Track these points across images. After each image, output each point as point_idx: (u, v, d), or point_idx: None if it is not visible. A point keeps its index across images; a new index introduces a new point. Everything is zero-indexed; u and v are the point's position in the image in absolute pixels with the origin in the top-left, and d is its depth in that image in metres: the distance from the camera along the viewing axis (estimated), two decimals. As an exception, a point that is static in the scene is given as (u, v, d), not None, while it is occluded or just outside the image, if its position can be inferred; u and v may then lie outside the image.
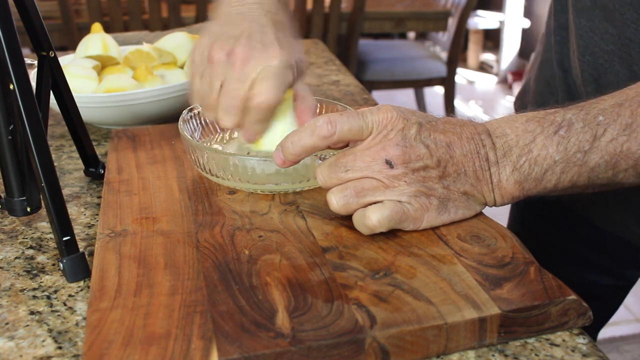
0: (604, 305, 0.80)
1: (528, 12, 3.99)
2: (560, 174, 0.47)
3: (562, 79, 0.68)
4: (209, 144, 0.64)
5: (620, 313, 1.91)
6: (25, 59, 0.48)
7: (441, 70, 2.74)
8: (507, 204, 0.50)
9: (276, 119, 0.56)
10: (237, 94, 0.53)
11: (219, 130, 0.66)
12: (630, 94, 0.47)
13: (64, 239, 0.48)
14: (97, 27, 0.90)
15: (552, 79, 0.71)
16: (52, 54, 0.56)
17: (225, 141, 0.66)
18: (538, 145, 0.47)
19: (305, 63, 0.58)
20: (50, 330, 0.43)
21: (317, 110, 0.59)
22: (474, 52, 4.42)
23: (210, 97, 0.54)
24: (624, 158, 0.46)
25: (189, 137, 0.58)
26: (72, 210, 0.60)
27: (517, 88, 3.88)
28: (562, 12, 0.67)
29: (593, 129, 0.46)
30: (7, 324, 0.44)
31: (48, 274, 0.50)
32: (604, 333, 1.81)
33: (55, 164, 0.57)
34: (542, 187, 0.48)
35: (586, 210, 0.71)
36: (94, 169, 0.66)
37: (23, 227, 0.58)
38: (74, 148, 0.75)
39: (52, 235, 0.56)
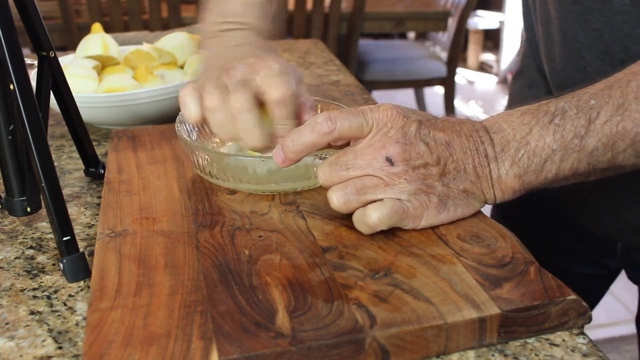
0: (588, 296, 0.81)
1: (528, 12, 3.98)
2: (560, 163, 0.48)
3: (542, 83, 0.72)
4: (208, 145, 0.64)
5: (620, 313, 1.91)
6: (25, 59, 0.48)
7: (441, 70, 2.74)
8: (508, 199, 0.50)
9: (270, 123, 0.56)
10: (246, 102, 0.53)
11: None
12: (618, 76, 0.48)
13: (64, 239, 0.48)
14: (97, 27, 0.90)
15: (533, 84, 0.75)
16: (52, 54, 0.56)
17: (223, 142, 0.65)
18: (535, 136, 0.48)
19: (299, 76, 0.60)
20: (50, 330, 0.43)
21: (318, 111, 0.60)
22: (474, 52, 4.42)
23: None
24: (621, 138, 0.46)
25: (186, 138, 0.58)
26: (72, 210, 0.60)
27: (517, 88, 3.88)
28: (532, 24, 0.71)
29: (587, 113, 0.47)
30: (7, 324, 0.44)
31: (48, 274, 0.50)
32: (604, 333, 1.81)
33: (55, 164, 0.57)
34: (543, 178, 0.49)
35: (565, 206, 0.72)
36: (94, 169, 0.66)
37: (23, 227, 0.58)
38: (74, 148, 0.75)
39: (52, 235, 0.56)
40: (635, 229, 0.66)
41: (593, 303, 0.84)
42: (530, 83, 0.76)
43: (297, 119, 0.57)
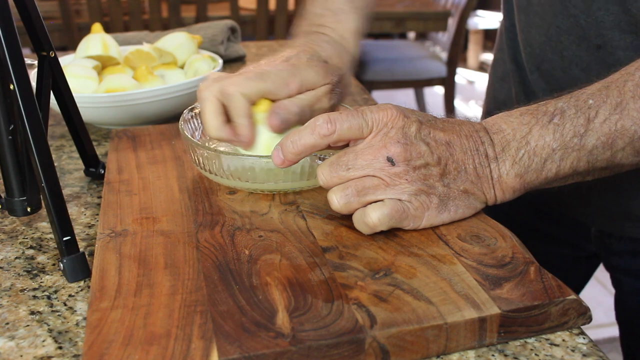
0: (569, 278, 0.82)
1: (528, 12, 3.98)
2: (560, 162, 0.48)
3: (516, 73, 0.73)
4: (209, 143, 0.64)
5: (620, 313, 1.90)
6: (25, 59, 0.48)
7: (441, 70, 2.74)
8: (508, 199, 0.51)
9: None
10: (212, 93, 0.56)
11: None
12: (615, 76, 0.49)
13: (64, 239, 0.48)
14: (97, 27, 0.90)
15: (505, 76, 0.77)
16: (52, 54, 0.56)
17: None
18: (535, 136, 0.48)
19: (314, 84, 0.59)
20: (50, 330, 0.43)
21: (288, 116, 0.57)
22: (474, 52, 4.42)
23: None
24: (620, 136, 0.47)
25: (189, 136, 0.58)
26: (72, 210, 0.60)
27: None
28: (511, 12, 0.72)
29: (585, 112, 0.47)
30: (7, 324, 0.44)
31: (48, 274, 0.50)
32: (604, 333, 1.81)
33: (55, 164, 0.57)
34: (543, 178, 0.49)
35: (538, 191, 0.74)
36: (94, 169, 0.66)
37: (23, 227, 0.58)
38: (74, 148, 0.75)
39: (52, 235, 0.56)
40: (607, 214, 0.67)
41: (577, 286, 0.85)
42: (502, 76, 0.78)
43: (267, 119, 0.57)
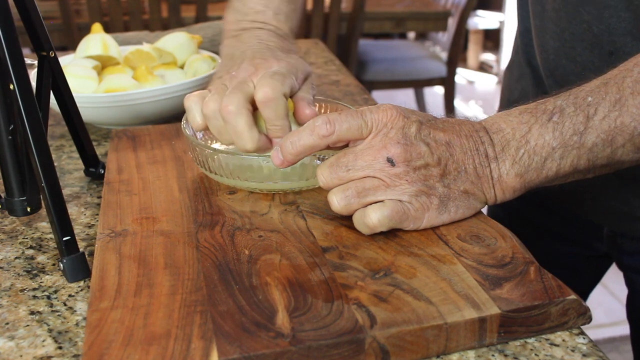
0: (579, 279, 0.81)
1: (528, 12, 3.98)
2: (560, 160, 0.48)
3: (531, 75, 0.73)
4: (210, 142, 0.64)
5: (620, 313, 1.91)
6: (25, 59, 0.48)
7: (441, 70, 2.74)
8: (508, 199, 0.50)
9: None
10: (239, 102, 0.53)
11: None
12: (614, 73, 0.49)
13: (64, 239, 0.48)
14: (97, 27, 0.90)
15: (521, 78, 0.77)
16: (52, 54, 0.56)
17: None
18: (534, 135, 0.48)
19: (307, 73, 0.59)
20: (50, 330, 0.43)
21: (316, 109, 0.59)
22: (474, 52, 4.42)
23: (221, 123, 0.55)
24: (620, 133, 0.47)
25: (190, 135, 0.58)
26: (72, 210, 0.60)
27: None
28: (527, 17, 0.72)
29: (584, 110, 0.47)
30: (7, 324, 0.44)
31: (48, 274, 0.50)
32: (604, 333, 1.81)
33: (55, 164, 0.57)
34: (543, 177, 0.49)
35: (549, 190, 0.74)
36: (94, 169, 0.66)
37: (23, 227, 0.58)
38: (74, 148, 0.75)
39: (52, 235, 0.56)
40: (618, 214, 0.67)
41: (586, 287, 0.85)
42: (518, 77, 0.78)
43: (298, 118, 0.57)
